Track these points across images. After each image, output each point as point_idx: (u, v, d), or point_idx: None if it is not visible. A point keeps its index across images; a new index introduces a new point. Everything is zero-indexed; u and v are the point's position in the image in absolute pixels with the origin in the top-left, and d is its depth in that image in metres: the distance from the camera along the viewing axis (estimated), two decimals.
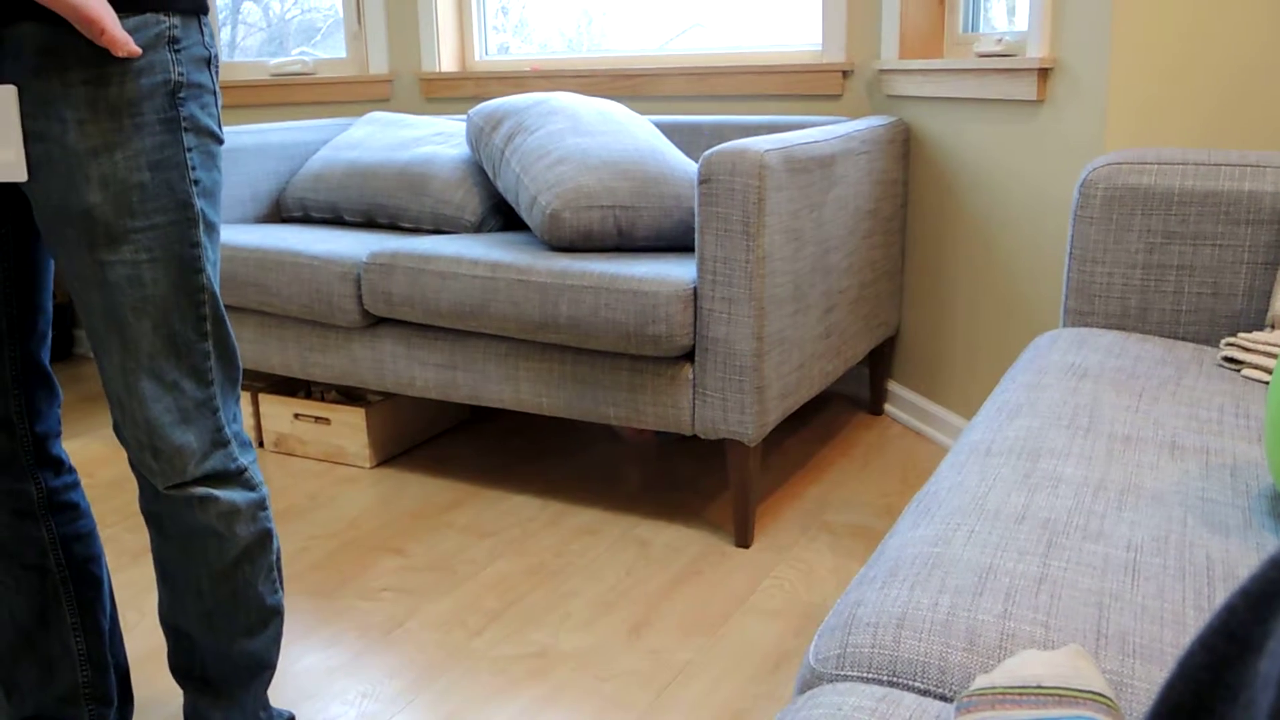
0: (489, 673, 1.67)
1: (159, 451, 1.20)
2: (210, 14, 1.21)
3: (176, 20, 1.14)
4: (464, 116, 3.16)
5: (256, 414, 2.67)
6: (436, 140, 2.75)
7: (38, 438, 1.30)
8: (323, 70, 3.49)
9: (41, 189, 1.12)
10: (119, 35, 1.07)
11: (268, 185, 2.87)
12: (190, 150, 1.16)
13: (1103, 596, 0.82)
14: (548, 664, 1.69)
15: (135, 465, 1.23)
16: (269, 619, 1.35)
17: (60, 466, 1.34)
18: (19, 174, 1.11)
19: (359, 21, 3.44)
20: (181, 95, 1.15)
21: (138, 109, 1.12)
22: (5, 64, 1.10)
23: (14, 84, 1.10)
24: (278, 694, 1.63)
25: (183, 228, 1.17)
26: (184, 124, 1.15)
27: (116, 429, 1.21)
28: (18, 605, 1.33)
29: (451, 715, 1.57)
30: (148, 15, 1.12)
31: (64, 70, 1.09)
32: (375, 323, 2.35)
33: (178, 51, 1.14)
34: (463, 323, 2.18)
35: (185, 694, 1.37)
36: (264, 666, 1.37)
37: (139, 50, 1.09)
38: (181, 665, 1.36)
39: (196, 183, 1.17)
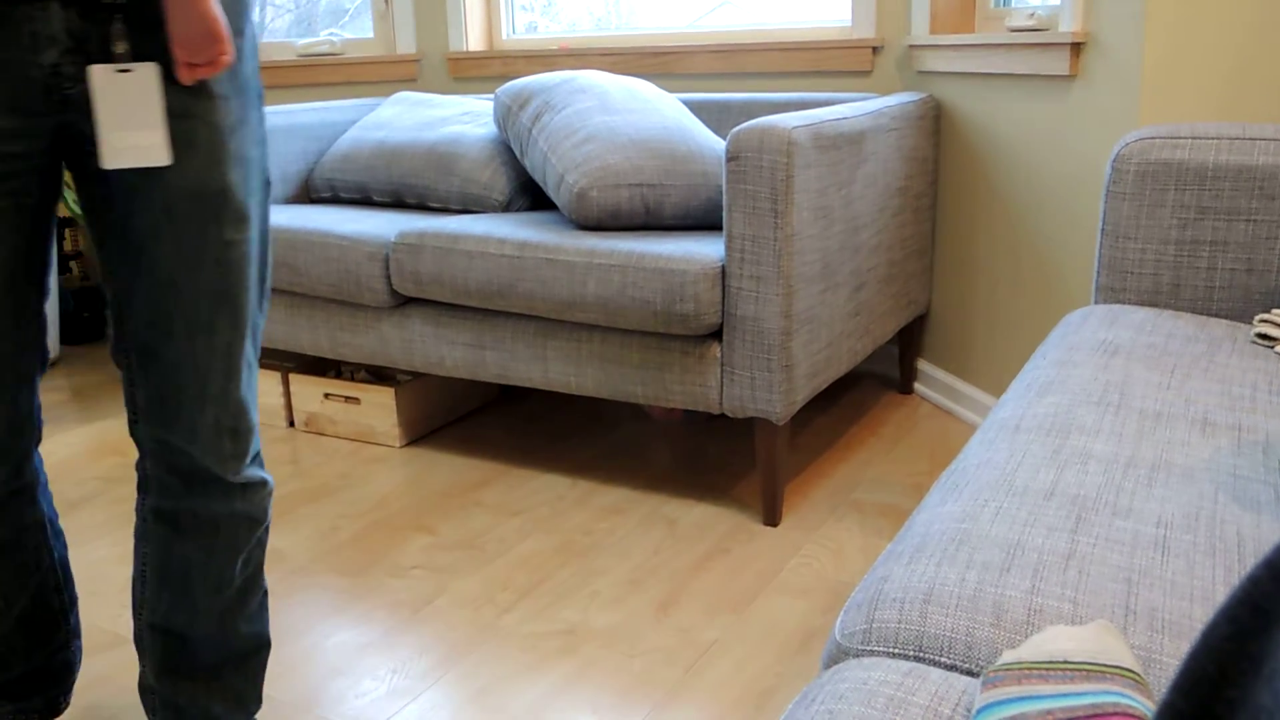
0: (518, 650, 1.68)
1: (239, 433, 1.17)
2: None
3: None
4: (491, 96, 3.16)
5: (287, 394, 2.69)
6: (464, 120, 2.75)
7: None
8: (350, 51, 3.50)
9: (174, 169, 1.08)
10: (231, 58, 1.04)
11: (296, 166, 2.88)
12: (263, 121, 1.17)
13: (1131, 573, 0.82)
14: (576, 641, 1.70)
15: (190, 458, 1.18)
16: (264, 597, 1.35)
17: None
18: (161, 157, 1.05)
19: (386, 2, 3.44)
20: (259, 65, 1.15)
21: (253, 83, 1.11)
22: (143, 36, 1.05)
23: (155, 60, 1.04)
24: (310, 671, 1.65)
25: (267, 201, 1.17)
26: (261, 96, 1.16)
27: (169, 423, 1.15)
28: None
29: (480, 691, 1.58)
30: None
31: None
32: (404, 302, 2.36)
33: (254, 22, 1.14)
34: (491, 302, 2.18)
35: (170, 694, 1.33)
36: (266, 644, 1.36)
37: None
38: (169, 667, 1.31)
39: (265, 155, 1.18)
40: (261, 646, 1.36)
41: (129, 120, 1.02)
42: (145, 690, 1.36)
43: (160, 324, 1.13)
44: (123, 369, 1.21)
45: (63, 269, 3.57)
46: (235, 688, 1.35)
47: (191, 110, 1.07)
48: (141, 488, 1.27)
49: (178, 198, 1.09)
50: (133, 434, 1.22)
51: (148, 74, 1.03)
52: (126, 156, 1.03)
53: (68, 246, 3.57)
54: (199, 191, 1.09)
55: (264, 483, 1.25)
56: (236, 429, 1.18)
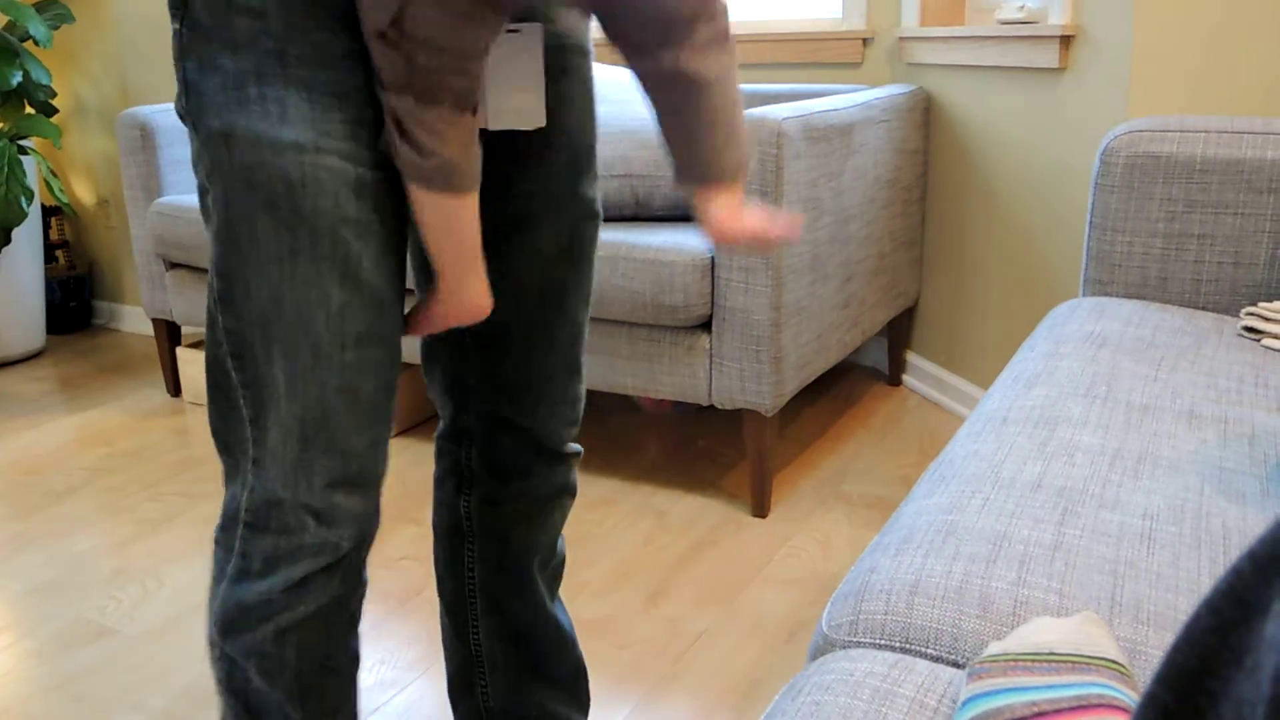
0: None
1: (579, 400, 1.11)
2: None
3: None
4: None
5: None
6: None
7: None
8: None
9: (554, 133, 1.01)
10: None
11: None
12: None
13: (1117, 565, 0.82)
14: None
15: (532, 435, 1.10)
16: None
17: None
18: (539, 119, 0.98)
19: None
20: None
21: None
22: None
23: (535, 21, 0.98)
24: None
25: None
26: None
27: (515, 402, 1.07)
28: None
29: None
30: None
31: None
32: None
33: None
34: None
35: (526, 708, 1.21)
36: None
37: None
38: (527, 676, 1.20)
39: None
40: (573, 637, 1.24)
41: (512, 82, 0.97)
42: (489, 714, 1.22)
43: (522, 305, 1.05)
44: (437, 355, 1.12)
45: (48, 258, 3.55)
46: (583, 687, 1.25)
47: (571, 67, 1.01)
48: (462, 484, 1.17)
49: (559, 168, 1.02)
50: (456, 424, 1.13)
51: (533, 34, 0.97)
52: (508, 118, 0.98)
53: (53, 235, 3.55)
54: (574, 153, 1.03)
55: (580, 451, 1.17)
56: (579, 397, 1.12)
